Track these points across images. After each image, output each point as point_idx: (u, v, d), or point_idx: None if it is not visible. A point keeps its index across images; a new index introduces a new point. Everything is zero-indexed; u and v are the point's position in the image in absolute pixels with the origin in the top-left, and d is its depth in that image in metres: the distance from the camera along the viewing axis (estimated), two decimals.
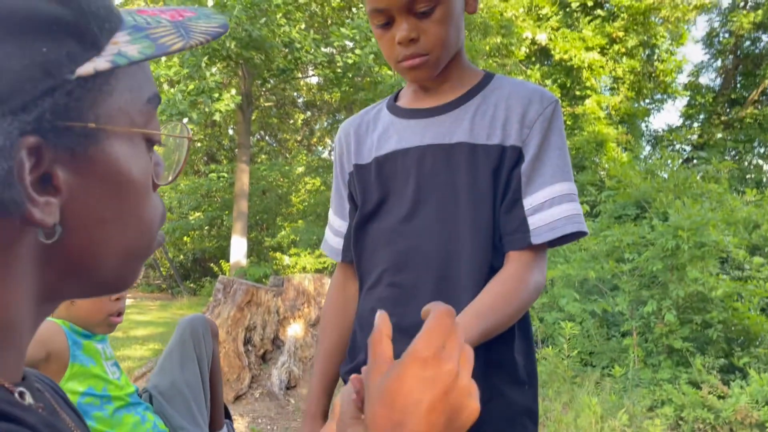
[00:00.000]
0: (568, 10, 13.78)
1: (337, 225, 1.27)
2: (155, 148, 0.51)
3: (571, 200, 1.04)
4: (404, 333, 1.08)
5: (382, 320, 0.64)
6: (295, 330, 4.93)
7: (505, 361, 1.06)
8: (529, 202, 1.04)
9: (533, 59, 13.78)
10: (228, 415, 2.27)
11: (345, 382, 1.20)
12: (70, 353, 1.55)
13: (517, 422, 1.07)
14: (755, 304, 5.08)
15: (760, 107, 14.77)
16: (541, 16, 13.71)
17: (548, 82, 12.99)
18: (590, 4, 13.35)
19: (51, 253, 0.43)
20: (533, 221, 1.03)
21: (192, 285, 15.89)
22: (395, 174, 1.12)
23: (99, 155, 0.43)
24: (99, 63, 0.41)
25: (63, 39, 0.40)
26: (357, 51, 10.11)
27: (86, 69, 0.41)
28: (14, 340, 0.44)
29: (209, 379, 2.05)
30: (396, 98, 1.22)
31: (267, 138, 19.13)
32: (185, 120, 9.41)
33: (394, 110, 1.18)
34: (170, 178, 0.54)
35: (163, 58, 9.36)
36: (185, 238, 16.42)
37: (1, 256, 0.41)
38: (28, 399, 0.46)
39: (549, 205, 1.03)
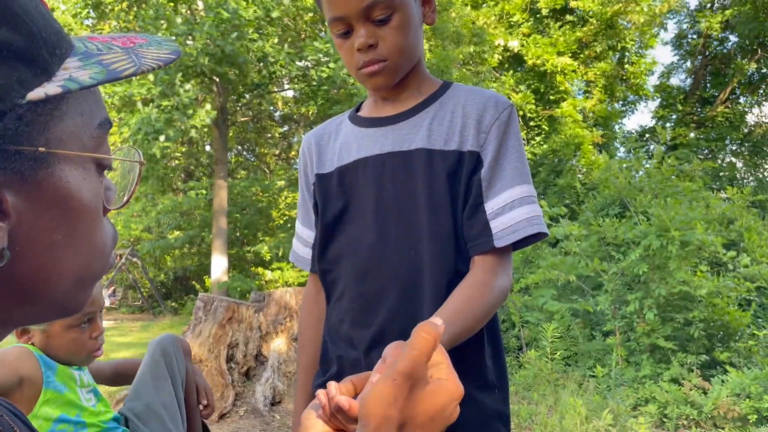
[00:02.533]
0: (538, 16, 13.99)
1: (305, 235, 1.28)
2: (106, 172, 0.51)
3: (530, 202, 1.06)
4: (374, 341, 1.08)
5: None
6: (278, 345, 4.90)
7: (474, 366, 1.07)
8: (490, 206, 1.05)
9: (506, 66, 13.94)
10: None
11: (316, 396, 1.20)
12: (43, 378, 1.52)
13: (489, 426, 1.08)
14: (734, 299, 5.16)
15: (730, 106, 15.07)
16: (512, 23, 13.91)
17: (522, 87, 13.14)
18: (559, 8, 13.57)
19: (1, 279, 0.43)
20: (495, 225, 1.04)
21: (174, 304, 15.73)
22: (356, 183, 1.13)
23: (49, 179, 0.43)
24: (50, 88, 0.41)
25: (13, 64, 0.40)
26: (331, 64, 10.13)
27: (37, 94, 0.41)
28: None
29: (185, 397, 2.02)
30: (358, 109, 1.24)
31: (245, 153, 19.06)
32: (162, 138, 9.32)
33: (355, 120, 1.20)
34: (121, 203, 0.54)
35: (135, 78, 9.30)
36: (166, 258, 16.26)
37: None
38: None
39: (510, 208, 1.05)
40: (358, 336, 1.10)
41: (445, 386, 0.59)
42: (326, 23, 1.10)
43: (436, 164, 1.07)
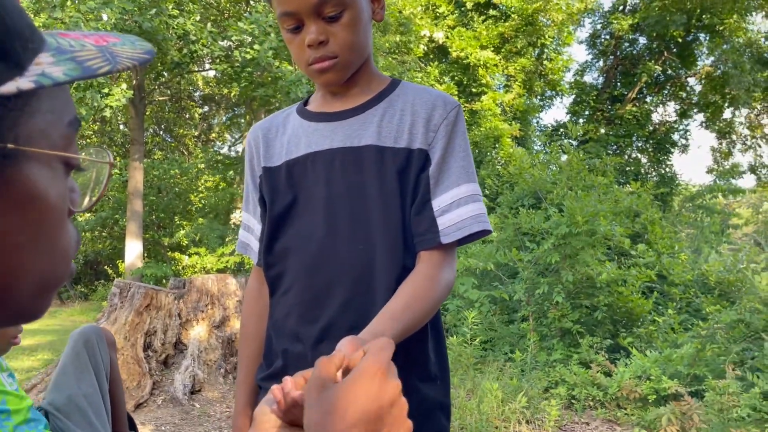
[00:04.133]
0: (463, 9, 14.23)
1: (254, 227, 1.27)
2: (72, 173, 0.50)
3: (475, 200, 1.10)
4: (322, 334, 1.09)
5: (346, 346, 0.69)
6: (198, 332, 4.80)
7: (418, 358, 1.10)
8: (437, 204, 1.09)
9: (431, 57, 14.11)
10: (133, 426, 2.19)
11: (260, 388, 1.20)
12: None
13: (432, 416, 1.12)
14: (637, 287, 5.52)
15: (638, 104, 15.94)
16: (438, 14, 14.08)
17: (446, 78, 13.35)
18: (483, 2, 13.87)
19: None
20: (442, 222, 1.08)
21: (83, 289, 15.03)
22: (305, 177, 1.13)
23: (16, 177, 0.41)
24: (22, 83, 0.40)
25: None
26: (256, 46, 9.90)
27: (9, 88, 0.39)
28: None
29: (109, 389, 1.97)
30: (306, 103, 1.24)
31: (162, 133, 18.35)
32: None
33: (304, 114, 1.20)
34: (88, 204, 0.53)
35: None
36: None
37: None
38: None
39: (456, 205, 1.08)
40: (304, 330, 1.10)
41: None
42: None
43: (386, 161, 1.09)
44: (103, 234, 15.74)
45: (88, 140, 15.17)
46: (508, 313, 6.37)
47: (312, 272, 1.11)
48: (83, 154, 0.52)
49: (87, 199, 0.53)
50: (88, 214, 14.77)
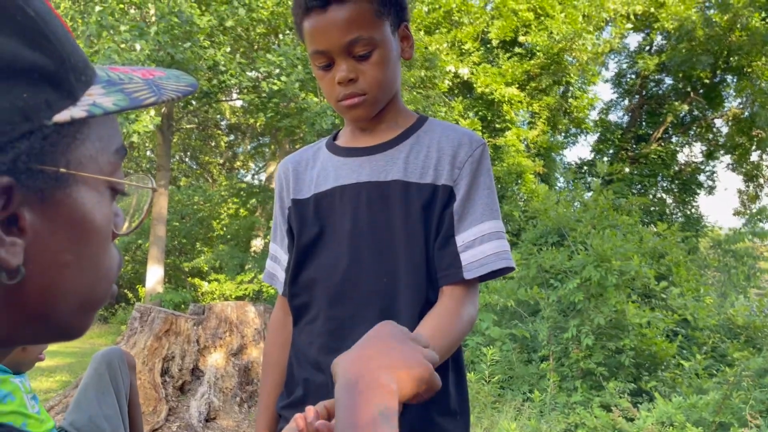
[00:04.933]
0: (488, 46, 14.39)
1: (281, 257, 1.29)
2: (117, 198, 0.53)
3: (499, 237, 1.11)
4: None
5: None
6: (215, 359, 4.79)
7: (439, 393, 1.08)
8: (461, 239, 1.10)
9: (456, 92, 14.25)
10: None
11: (281, 417, 1.20)
12: None
13: None
14: (661, 330, 5.41)
15: (663, 144, 15.86)
16: (463, 51, 14.25)
17: (470, 114, 13.45)
18: (508, 40, 14.01)
19: (10, 296, 0.43)
20: (465, 257, 1.08)
21: (103, 312, 15.13)
22: (333, 210, 1.15)
23: (66, 200, 0.44)
24: (75, 111, 0.43)
25: (43, 86, 0.42)
26: (283, 77, 10.09)
27: (63, 116, 0.42)
28: None
29: (128, 411, 1.98)
30: (335, 138, 1.27)
31: (188, 160, 18.66)
32: None
33: (333, 149, 1.22)
34: (130, 228, 0.55)
35: None
36: None
37: None
38: None
39: (479, 242, 1.09)
40: (326, 360, 1.09)
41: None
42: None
43: (412, 196, 1.10)
44: (126, 258, 15.92)
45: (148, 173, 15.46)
46: (528, 351, 6.27)
47: (336, 303, 1.12)
48: (128, 180, 0.55)
49: (127, 224, 0.56)
50: None
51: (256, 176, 19.15)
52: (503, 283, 5.88)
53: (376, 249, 1.11)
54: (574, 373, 5.29)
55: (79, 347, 9.61)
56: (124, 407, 1.91)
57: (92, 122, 0.47)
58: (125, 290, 15.11)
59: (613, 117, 17.20)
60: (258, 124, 13.69)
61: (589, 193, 6.57)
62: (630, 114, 16.43)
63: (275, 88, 10.06)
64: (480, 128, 13.01)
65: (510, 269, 1.11)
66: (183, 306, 10.99)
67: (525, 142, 13.72)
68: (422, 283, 1.09)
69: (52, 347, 9.19)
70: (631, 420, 4.42)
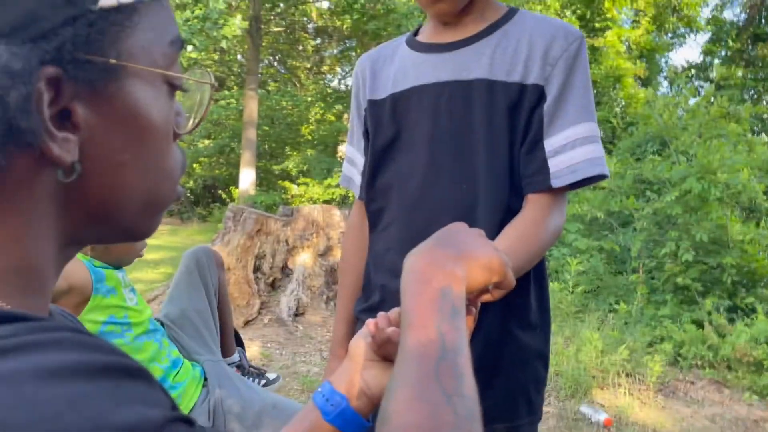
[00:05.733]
0: None
1: (357, 161, 1.26)
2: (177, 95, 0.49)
3: (593, 142, 1.02)
4: None
5: None
6: (303, 259, 5.00)
7: (519, 305, 1.06)
8: (550, 144, 1.01)
9: None
10: (240, 343, 2.33)
11: (358, 320, 1.22)
12: (93, 287, 1.57)
13: (529, 365, 1.09)
14: (763, 246, 5.08)
15: None
16: None
17: (567, 12, 12.54)
18: None
19: (70, 195, 0.42)
20: (554, 163, 1.01)
21: (202, 211, 16.05)
22: (409, 112, 1.09)
23: (120, 94, 0.42)
24: None
25: None
26: None
27: (109, 1, 0.39)
28: (39, 284, 0.43)
29: (218, 307, 2.10)
30: (416, 33, 1.18)
31: (276, 65, 18.77)
32: (189, 48, 9.14)
33: (413, 45, 1.14)
34: (190, 127, 0.53)
35: None
36: (195, 165, 16.44)
37: (22, 197, 0.40)
38: None
39: (571, 146, 1.00)
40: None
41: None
42: None
43: (496, 96, 1.02)
44: (221, 161, 16.59)
45: (208, 69, 15.82)
46: (617, 263, 6.09)
47: (412, 210, 1.08)
48: (186, 75, 0.51)
49: (192, 122, 0.53)
50: (207, 141, 15.58)
51: (342, 81, 19.06)
52: (594, 193, 5.66)
53: (456, 154, 1.04)
54: (665, 287, 5.12)
55: (181, 242, 10.32)
56: (213, 302, 2.03)
57: (142, 9, 0.43)
58: (220, 191, 15.86)
59: (728, 14, 15.57)
60: (344, 26, 13.46)
61: (694, 99, 6.02)
62: (748, 11, 14.78)
63: None
64: (578, 27, 12.16)
65: (603, 177, 1.02)
66: (274, 207, 11.43)
67: (627, 43, 12.72)
68: (504, 190, 1.02)
69: (155, 241, 9.91)
70: (722, 336, 4.28)
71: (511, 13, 1.08)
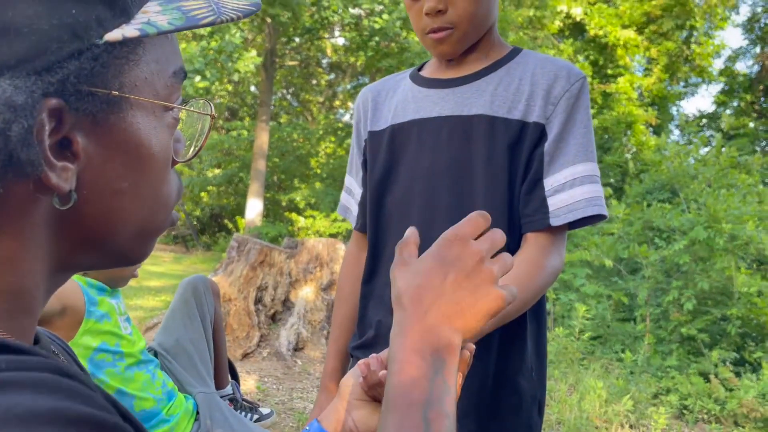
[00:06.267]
0: None
1: (355, 191, 1.26)
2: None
3: (592, 182, 1.00)
4: None
5: (411, 232, 0.69)
6: (305, 293, 4.95)
7: (515, 347, 1.04)
8: (550, 183, 1.00)
9: (566, 33, 13.46)
10: (235, 375, 2.28)
11: (352, 356, 1.19)
12: (86, 309, 1.55)
13: (523, 410, 1.06)
14: None
15: None
16: None
17: (580, 58, 12.70)
18: None
19: (66, 222, 0.43)
20: (553, 202, 1.00)
21: (207, 240, 16.06)
22: (408, 144, 1.09)
23: (120, 125, 0.43)
24: (128, 30, 0.41)
25: (93, 3, 0.40)
26: (385, 15, 9.92)
27: (114, 35, 0.41)
28: (28, 308, 0.43)
29: (213, 336, 2.07)
30: (421, 69, 1.19)
31: (289, 97, 19.02)
32: (197, 78, 9.28)
33: (416, 79, 1.15)
34: (189, 155, 0.54)
35: None
36: (203, 194, 16.53)
37: (17, 221, 0.40)
38: None
39: (570, 185, 0.99)
40: None
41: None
42: None
43: (497, 133, 1.01)
44: (229, 190, 16.67)
45: (221, 100, 16.05)
46: (624, 310, 6.01)
47: None
48: (188, 106, 0.53)
49: (192, 150, 0.54)
50: (217, 170, 15.70)
51: (353, 116, 19.25)
52: (603, 239, 5.61)
53: (453, 190, 1.03)
54: (672, 337, 5.03)
55: (185, 271, 10.28)
56: (209, 331, 2.00)
57: (147, 42, 0.44)
58: (226, 221, 15.89)
59: (740, 66, 15.71)
60: (358, 63, 13.66)
61: (706, 149, 6.01)
62: (761, 64, 14.91)
63: (376, 26, 9.94)
64: (591, 74, 12.28)
65: (602, 217, 1.01)
66: (279, 239, 11.43)
67: (639, 91, 12.81)
68: (502, 228, 1.00)
69: (159, 269, 9.89)
70: (731, 390, 4.17)
71: (515, 52, 1.09)
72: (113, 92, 0.41)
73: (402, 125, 1.10)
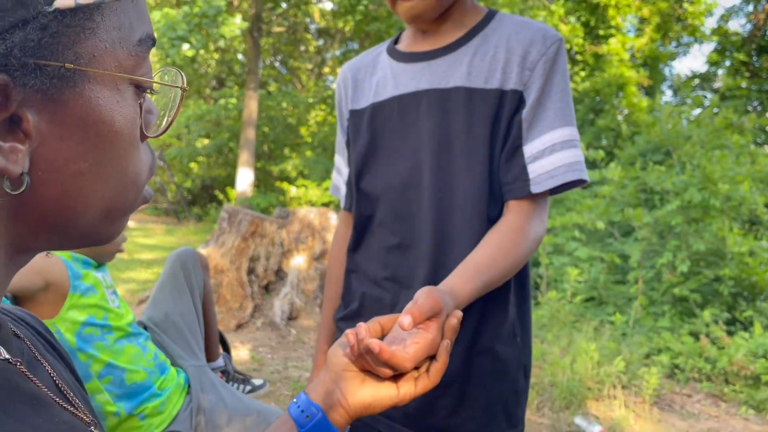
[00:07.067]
0: None
1: (343, 170, 1.26)
2: (148, 93, 0.46)
3: (572, 146, 0.99)
4: (400, 283, 1.06)
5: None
6: (298, 262, 4.94)
7: (497, 315, 1.04)
8: (529, 150, 0.99)
9: None
10: (226, 347, 2.27)
11: (338, 328, 1.20)
12: (70, 283, 1.53)
13: (507, 376, 1.06)
14: (765, 260, 5.03)
15: None
16: None
17: (572, 18, 12.52)
18: None
19: (22, 205, 0.40)
20: (533, 169, 0.98)
21: (198, 211, 15.99)
22: (389, 121, 1.08)
23: (77, 100, 0.39)
24: None
25: None
26: None
27: (66, 1, 0.36)
28: None
29: (202, 309, 2.06)
30: (396, 41, 1.17)
31: (277, 65, 18.75)
32: (185, 46, 9.07)
33: (393, 54, 1.13)
34: (160, 130, 0.49)
35: None
36: (193, 165, 16.39)
37: None
38: (3, 354, 0.43)
39: (549, 151, 0.98)
40: (383, 275, 1.08)
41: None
42: None
43: (476, 104, 1.00)
44: (219, 161, 16.53)
45: (209, 68, 15.79)
46: (616, 273, 6.04)
47: (394, 220, 1.08)
48: (159, 76, 0.48)
49: (165, 122, 0.50)
50: (206, 141, 15.53)
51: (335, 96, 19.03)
52: (595, 201, 5.61)
53: (435, 164, 1.02)
54: (664, 299, 5.07)
55: (176, 243, 10.25)
56: (198, 305, 1.99)
57: (106, 8, 0.39)
58: (217, 191, 15.81)
59: (733, 25, 15.55)
60: (347, 28, 13.43)
61: (698, 110, 5.97)
62: (754, 22, 14.75)
63: None
64: (582, 34, 12.12)
65: (582, 182, 1.00)
66: (271, 209, 11.38)
67: (630, 51, 12.68)
68: (482, 199, 1.00)
69: (150, 241, 9.85)
70: (722, 348, 4.22)
71: (490, 16, 1.06)
72: (66, 65, 0.37)
73: (382, 103, 1.09)
